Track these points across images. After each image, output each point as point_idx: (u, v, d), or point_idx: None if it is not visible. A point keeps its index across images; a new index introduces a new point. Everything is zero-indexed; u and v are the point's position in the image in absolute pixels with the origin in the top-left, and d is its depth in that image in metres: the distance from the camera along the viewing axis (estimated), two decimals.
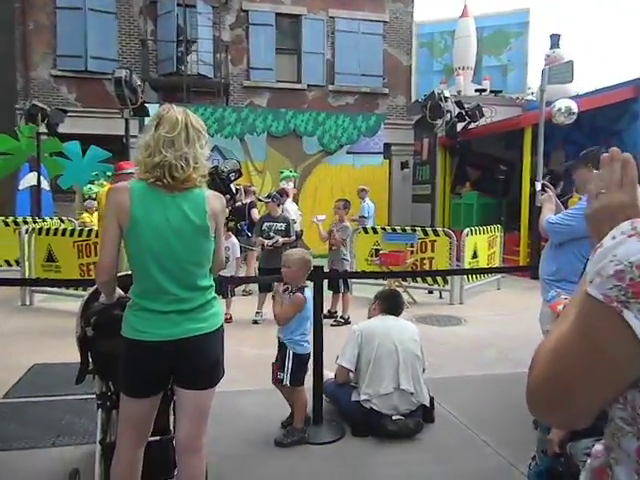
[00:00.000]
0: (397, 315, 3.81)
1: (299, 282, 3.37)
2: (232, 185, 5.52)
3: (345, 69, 15.53)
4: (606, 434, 0.88)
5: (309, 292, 3.40)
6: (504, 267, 9.36)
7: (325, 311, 6.10)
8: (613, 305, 0.73)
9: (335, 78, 15.55)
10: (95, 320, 2.41)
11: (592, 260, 0.79)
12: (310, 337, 3.43)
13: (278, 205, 6.84)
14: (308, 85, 15.33)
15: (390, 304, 3.83)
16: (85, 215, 9.77)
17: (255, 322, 6.42)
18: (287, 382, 3.32)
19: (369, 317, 3.87)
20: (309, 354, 3.42)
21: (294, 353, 3.32)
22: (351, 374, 3.65)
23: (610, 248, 0.77)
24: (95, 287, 2.49)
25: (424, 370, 3.70)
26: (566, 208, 3.69)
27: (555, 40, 14.17)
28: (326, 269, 6.10)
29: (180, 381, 2.18)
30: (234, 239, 6.73)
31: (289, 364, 3.30)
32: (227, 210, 6.20)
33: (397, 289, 5.14)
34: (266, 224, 6.63)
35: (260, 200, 8.46)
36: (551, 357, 0.83)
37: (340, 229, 6.78)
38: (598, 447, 0.93)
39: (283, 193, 8.53)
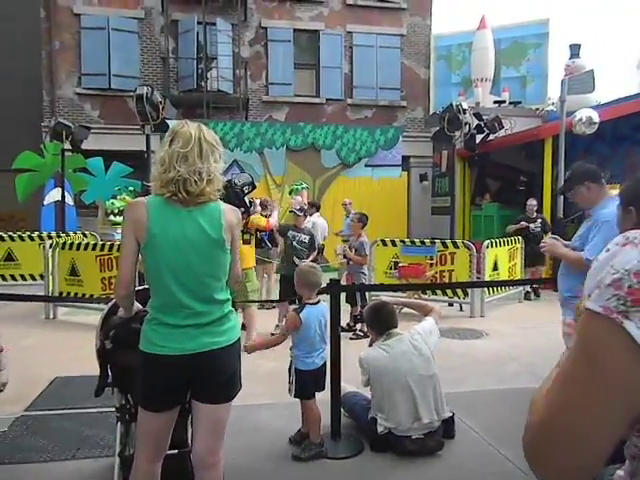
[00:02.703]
0: (396, 326, 3.57)
1: (305, 296, 3.37)
2: (246, 198, 5.60)
3: (363, 83, 15.61)
4: (627, 457, 0.83)
5: (314, 310, 3.33)
6: (525, 280, 9.22)
7: (344, 324, 6.09)
8: (613, 317, 0.69)
9: (353, 92, 15.63)
10: (114, 333, 2.45)
11: (589, 275, 0.77)
12: (326, 352, 3.41)
13: (305, 217, 6.96)
14: (326, 99, 15.45)
15: (381, 323, 3.58)
16: None
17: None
18: (292, 394, 3.36)
19: (371, 344, 3.65)
20: (314, 371, 3.32)
21: (296, 368, 3.33)
22: None
23: (606, 259, 0.75)
24: (114, 301, 2.53)
25: None
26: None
27: (575, 50, 14.04)
28: (342, 282, 6.09)
29: (197, 395, 2.19)
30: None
31: (292, 378, 3.34)
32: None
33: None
34: (291, 232, 6.75)
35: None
36: (552, 390, 0.76)
37: (357, 246, 6.77)
38: (619, 472, 0.89)
39: (314, 205, 8.66)
